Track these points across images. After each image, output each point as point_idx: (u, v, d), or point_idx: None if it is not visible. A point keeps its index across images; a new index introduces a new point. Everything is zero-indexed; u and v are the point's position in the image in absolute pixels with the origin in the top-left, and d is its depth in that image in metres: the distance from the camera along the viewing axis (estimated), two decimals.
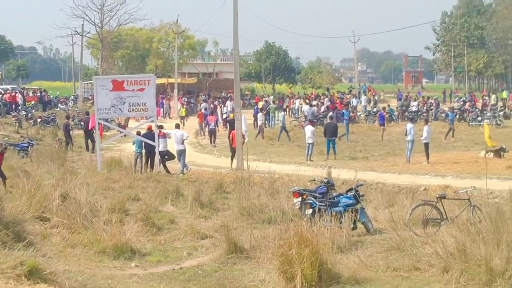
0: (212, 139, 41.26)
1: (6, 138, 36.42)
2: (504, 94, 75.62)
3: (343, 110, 46.85)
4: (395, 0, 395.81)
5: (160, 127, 29.61)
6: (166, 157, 29.07)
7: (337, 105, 55.03)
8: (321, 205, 15.74)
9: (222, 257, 13.08)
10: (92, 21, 71.70)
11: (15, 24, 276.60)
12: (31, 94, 65.19)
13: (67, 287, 10.32)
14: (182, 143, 29.20)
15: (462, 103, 61.27)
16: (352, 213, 15.58)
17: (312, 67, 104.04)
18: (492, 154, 31.59)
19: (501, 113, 52.49)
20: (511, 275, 10.47)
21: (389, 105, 52.62)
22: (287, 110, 62.29)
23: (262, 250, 12.78)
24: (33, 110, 54.06)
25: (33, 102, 59.62)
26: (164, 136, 29.13)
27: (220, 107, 56.89)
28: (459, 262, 10.97)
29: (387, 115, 47.75)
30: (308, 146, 33.31)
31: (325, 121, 43.57)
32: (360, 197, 16.21)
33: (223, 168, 29.46)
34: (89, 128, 34.98)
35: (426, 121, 35.34)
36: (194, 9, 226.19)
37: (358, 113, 56.75)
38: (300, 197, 16.16)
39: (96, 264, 12.73)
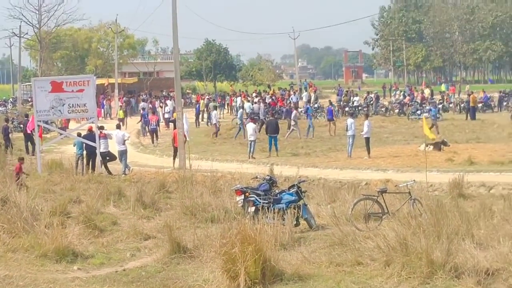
0: (154, 138, 41.13)
1: None
2: (443, 87, 76.78)
3: (308, 106, 47.15)
4: None
5: (101, 128, 29.30)
6: (108, 158, 28.86)
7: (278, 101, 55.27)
8: (263, 203, 15.75)
9: (166, 258, 12.98)
10: (29, 22, 70.88)
11: None
12: None
13: None
14: (124, 144, 29.04)
15: (402, 97, 62.13)
16: (295, 209, 15.60)
17: (253, 64, 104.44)
18: (431, 147, 32.17)
19: (440, 106, 53.26)
20: (452, 267, 10.63)
21: (329, 101, 52.89)
22: (228, 107, 62.42)
23: (205, 249, 12.73)
24: None
25: None
26: (105, 137, 28.87)
27: (161, 106, 56.61)
28: (401, 256, 11.09)
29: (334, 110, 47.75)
30: (250, 144, 33.40)
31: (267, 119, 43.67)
32: (302, 194, 16.22)
33: (166, 168, 29.43)
34: (29, 130, 34.46)
35: (367, 116, 35.74)
36: (133, 8, 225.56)
37: (300, 110, 56.94)
38: (243, 195, 16.12)
39: (37, 268, 12.52)
